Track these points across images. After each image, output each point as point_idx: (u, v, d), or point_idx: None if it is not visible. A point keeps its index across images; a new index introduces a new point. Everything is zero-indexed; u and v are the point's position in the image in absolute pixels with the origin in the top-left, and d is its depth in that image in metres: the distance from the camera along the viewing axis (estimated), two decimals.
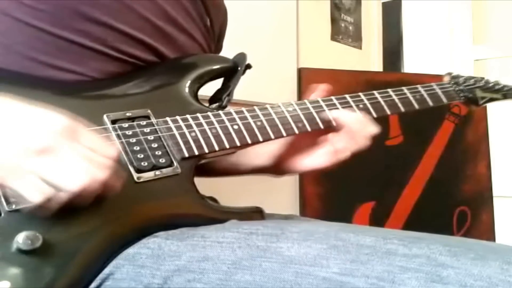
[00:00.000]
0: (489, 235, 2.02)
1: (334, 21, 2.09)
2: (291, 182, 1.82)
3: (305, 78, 1.86)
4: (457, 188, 2.01)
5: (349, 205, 1.84)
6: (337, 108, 0.77)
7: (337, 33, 2.10)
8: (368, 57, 2.26)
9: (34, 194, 0.50)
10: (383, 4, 2.39)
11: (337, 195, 1.82)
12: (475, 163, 2.04)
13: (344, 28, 2.13)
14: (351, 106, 0.78)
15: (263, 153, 0.82)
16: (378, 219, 1.85)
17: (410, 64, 2.41)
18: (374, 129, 0.76)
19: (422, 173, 1.96)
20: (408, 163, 1.95)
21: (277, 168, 0.81)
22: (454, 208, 1.99)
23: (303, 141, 0.77)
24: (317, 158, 0.76)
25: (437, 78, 1.04)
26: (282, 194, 1.81)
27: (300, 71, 1.87)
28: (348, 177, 1.84)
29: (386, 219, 1.89)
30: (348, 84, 1.85)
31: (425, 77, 1.86)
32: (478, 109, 2.00)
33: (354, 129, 0.74)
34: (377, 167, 1.89)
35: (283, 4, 1.85)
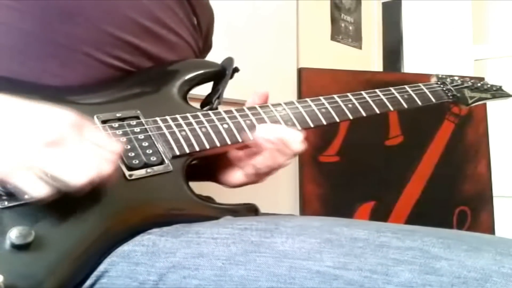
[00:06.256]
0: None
1: (334, 21, 2.09)
2: (291, 182, 1.82)
3: (305, 78, 1.86)
4: (457, 188, 2.01)
5: (349, 205, 1.85)
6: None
7: (337, 33, 2.10)
8: (368, 57, 2.26)
9: (37, 188, 0.50)
10: (383, 4, 2.39)
11: (337, 195, 1.82)
12: (475, 163, 2.04)
13: (344, 28, 2.14)
14: (339, 106, 0.78)
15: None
16: (378, 219, 1.84)
17: (410, 64, 2.41)
18: (299, 146, 0.70)
19: (422, 173, 1.96)
20: (408, 163, 1.95)
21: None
22: (454, 208, 1.99)
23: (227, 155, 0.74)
24: (238, 177, 0.74)
25: None
26: (282, 194, 1.81)
27: (300, 71, 1.87)
28: (348, 177, 1.84)
29: (386, 219, 1.89)
30: (348, 84, 1.85)
31: (425, 77, 1.85)
32: (477, 109, 2.02)
33: (278, 148, 0.69)
34: (377, 167, 1.89)
35: (283, 4, 1.85)
